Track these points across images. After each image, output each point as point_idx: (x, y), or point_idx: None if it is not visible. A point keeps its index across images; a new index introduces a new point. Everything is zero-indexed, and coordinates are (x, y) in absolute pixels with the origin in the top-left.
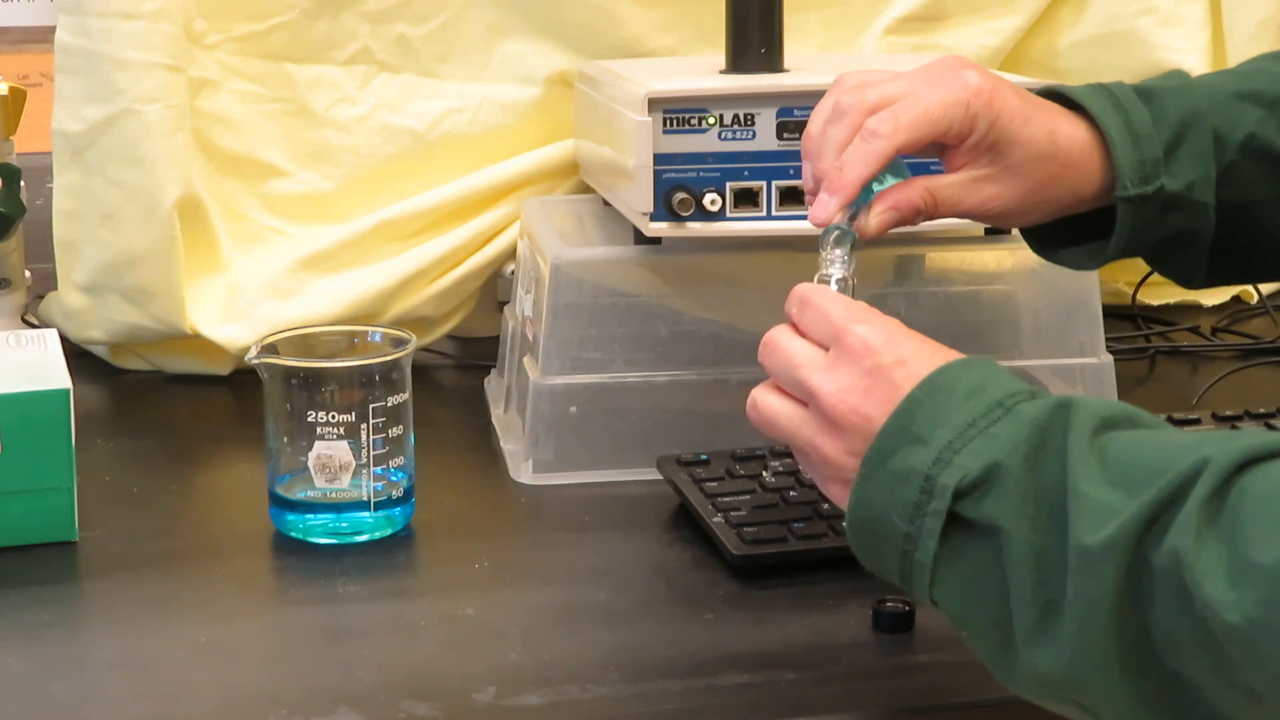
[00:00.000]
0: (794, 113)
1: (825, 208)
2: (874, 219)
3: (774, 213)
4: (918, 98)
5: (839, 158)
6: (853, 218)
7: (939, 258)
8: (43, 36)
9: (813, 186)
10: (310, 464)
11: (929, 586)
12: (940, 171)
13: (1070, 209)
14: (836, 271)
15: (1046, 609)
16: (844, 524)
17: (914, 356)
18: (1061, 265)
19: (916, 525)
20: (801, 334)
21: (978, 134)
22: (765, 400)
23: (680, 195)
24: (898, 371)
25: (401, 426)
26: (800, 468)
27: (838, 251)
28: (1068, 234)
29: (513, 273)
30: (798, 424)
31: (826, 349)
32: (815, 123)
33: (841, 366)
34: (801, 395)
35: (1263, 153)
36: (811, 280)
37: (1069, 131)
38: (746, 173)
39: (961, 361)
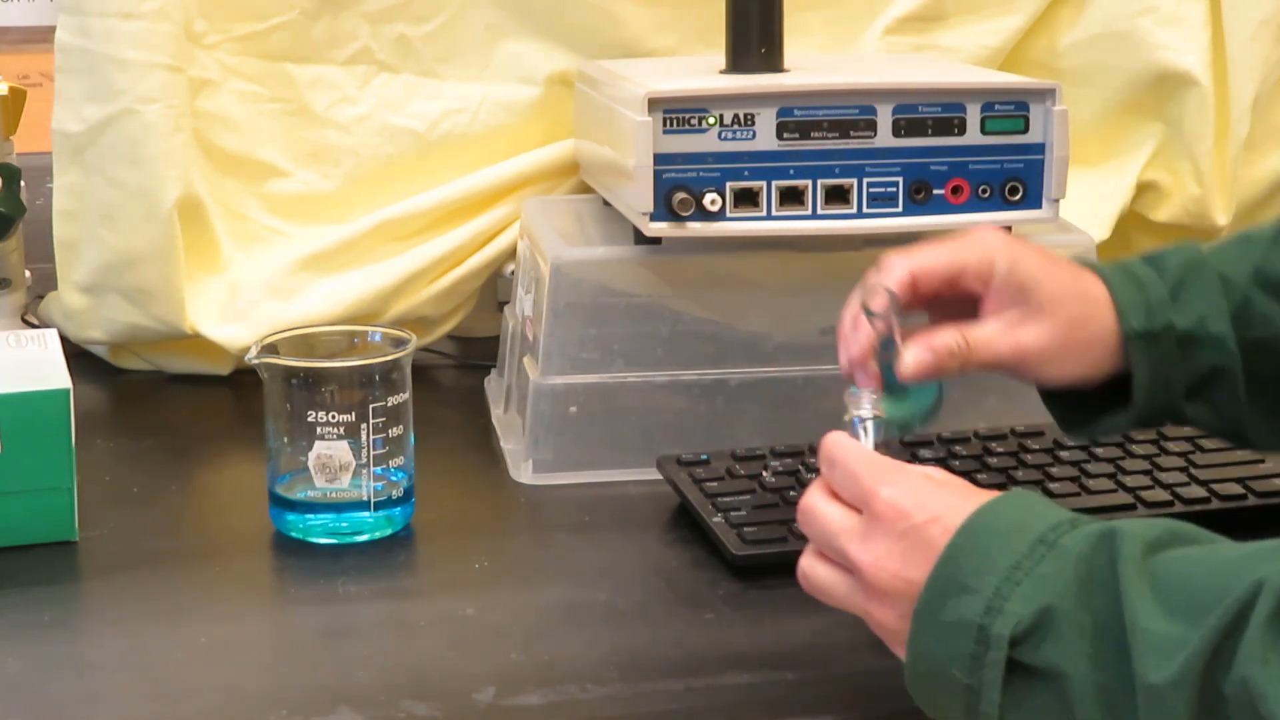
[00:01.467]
0: (794, 113)
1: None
2: (909, 357)
3: (774, 213)
4: (932, 243)
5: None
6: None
7: None
8: (43, 36)
9: (847, 372)
10: (310, 464)
11: None
12: None
13: (1106, 359)
14: (865, 412)
15: None
16: (905, 680)
17: (947, 511)
18: (1094, 436)
19: (977, 677)
20: (834, 494)
21: (999, 275)
22: (814, 571)
23: (680, 195)
24: (932, 529)
25: (401, 426)
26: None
27: (865, 390)
28: (1098, 407)
29: (513, 273)
30: (847, 593)
31: (860, 511)
32: (852, 304)
33: (876, 534)
34: (844, 564)
35: (1273, 284)
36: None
37: (1094, 282)
38: (746, 173)
39: (998, 500)
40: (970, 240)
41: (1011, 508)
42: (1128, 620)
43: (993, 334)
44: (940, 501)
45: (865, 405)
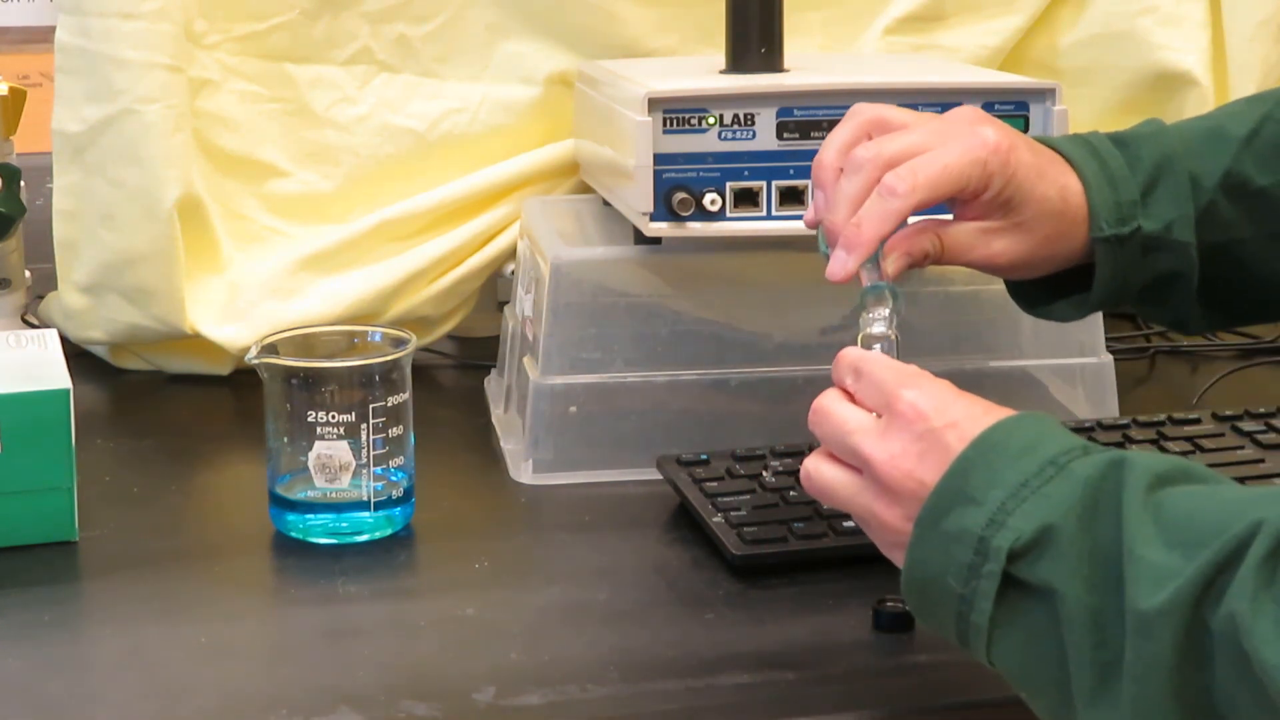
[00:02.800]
0: (794, 113)
1: (844, 265)
2: (888, 266)
3: (774, 213)
4: (936, 155)
5: (855, 213)
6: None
7: None
8: (43, 36)
9: (814, 218)
10: (310, 464)
11: (986, 648)
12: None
13: (1071, 259)
14: (880, 329)
15: (1104, 670)
16: (901, 585)
17: (966, 418)
18: (1049, 319)
19: (971, 587)
20: (850, 399)
21: (992, 191)
22: (819, 469)
23: (680, 195)
24: (950, 434)
25: (401, 426)
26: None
27: (880, 310)
28: (1056, 289)
29: (513, 273)
30: (854, 492)
31: (878, 415)
32: (828, 153)
33: (893, 432)
34: (855, 462)
35: (1240, 189)
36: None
37: (1075, 185)
38: (746, 173)
39: (1015, 418)
40: (969, 151)
41: (1027, 428)
42: (1126, 547)
43: (968, 240)
44: (961, 409)
45: (879, 324)
